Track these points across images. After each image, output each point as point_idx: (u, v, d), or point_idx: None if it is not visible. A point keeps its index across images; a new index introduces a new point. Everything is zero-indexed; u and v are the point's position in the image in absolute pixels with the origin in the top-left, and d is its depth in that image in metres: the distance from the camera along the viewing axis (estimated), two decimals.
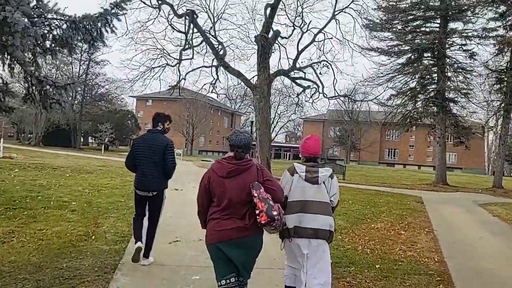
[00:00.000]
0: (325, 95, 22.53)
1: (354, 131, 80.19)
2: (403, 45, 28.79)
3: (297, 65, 22.93)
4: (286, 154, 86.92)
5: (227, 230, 3.47)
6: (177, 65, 20.71)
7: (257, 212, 3.45)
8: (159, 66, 20.59)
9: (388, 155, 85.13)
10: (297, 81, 23.77)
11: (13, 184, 12.34)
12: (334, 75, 22.17)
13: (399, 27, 28.81)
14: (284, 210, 3.90)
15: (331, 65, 21.95)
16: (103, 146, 48.68)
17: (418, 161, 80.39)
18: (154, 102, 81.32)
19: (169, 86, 23.95)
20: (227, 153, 3.71)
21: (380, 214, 11.96)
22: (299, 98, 24.72)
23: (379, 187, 22.66)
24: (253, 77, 22.73)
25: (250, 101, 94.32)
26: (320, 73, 21.83)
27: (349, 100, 22.38)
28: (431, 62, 28.35)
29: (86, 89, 58.14)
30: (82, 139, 61.91)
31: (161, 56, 20.84)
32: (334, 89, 21.92)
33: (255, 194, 3.45)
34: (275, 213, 3.44)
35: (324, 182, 3.99)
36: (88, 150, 54.71)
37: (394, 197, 16.93)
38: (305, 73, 22.80)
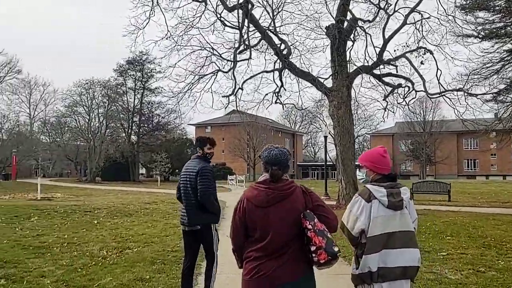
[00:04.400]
0: (427, 92, 17.13)
1: (427, 143, 72.67)
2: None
3: (384, 58, 17.85)
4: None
5: (271, 273, 2.75)
6: (231, 70, 16.33)
7: (312, 249, 2.75)
8: (210, 74, 16.33)
9: (468, 167, 77.74)
10: (385, 78, 18.65)
11: (8, 242, 8.27)
12: (437, 65, 16.83)
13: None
14: (355, 247, 3.20)
15: (432, 53, 16.64)
16: (159, 177, 45.53)
17: (502, 171, 71.42)
18: (213, 128, 79.37)
19: (223, 106, 19.46)
20: (261, 175, 2.95)
21: None
22: (387, 102, 19.43)
23: (496, 208, 16.90)
24: (326, 78, 17.96)
25: (313, 117, 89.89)
26: (421, 63, 16.49)
27: (465, 94, 16.33)
28: None
29: (143, 118, 55.79)
30: (140, 171, 59.76)
31: (211, 62, 16.57)
32: (439, 82, 16.52)
33: (309, 226, 2.76)
34: (336, 249, 2.75)
35: (406, 206, 3.18)
36: (147, 182, 51.96)
37: None
38: (396, 66, 17.62)
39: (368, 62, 17.89)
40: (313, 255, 2.76)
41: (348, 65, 17.93)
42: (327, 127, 30.33)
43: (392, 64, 18.35)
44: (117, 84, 53.26)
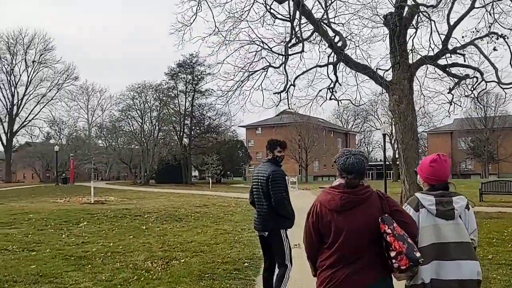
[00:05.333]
0: (500, 82, 15.36)
1: (489, 140, 68.30)
2: None
3: (450, 46, 16.22)
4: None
5: (344, 278, 2.67)
6: (283, 65, 15.35)
7: (392, 254, 2.63)
8: (260, 70, 15.42)
9: None
10: (450, 69, 16.97)
11: (50, 251, 7.77)
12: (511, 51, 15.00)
13: None
14: None
15: (506, 38, 14.86)
16: (210, 180, 45.39)
17: None
18: (263, 129, 78.97)
19: (274, 104, 18.46)
20: (336, 180, 2.85)
21: None
22: (453, 95, 17.71)
23: None
24: (387, 70, 16.58)
25: (366, 115, 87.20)
26: (494, 49, 14.80)
27: None
28: None
29: (194, 121, 55.97)
30: (193, 174, 60.11)
31: (261, 58, 15.68)
32: None
33: (389, 231, 2.65)
34: (418, 254, 2.65)
35: (460, 216, 2.99)
36: (199, 184, 52.00)
37: None
38: (463, 55, 15.94)
39: (432, 52, 16.35)
40: (393, 261, 2.65)
41: (410, 55, 16.48)
42: (387, 123, 28.62)
43: (459, 53, 16.66)
44: (169, 87, 53.78)
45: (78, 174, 62.38)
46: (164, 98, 51.24)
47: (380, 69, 15.54)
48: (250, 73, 15.40)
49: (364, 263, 2.68)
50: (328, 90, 18.36)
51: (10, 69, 62.93)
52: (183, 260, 7.47)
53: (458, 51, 16.42)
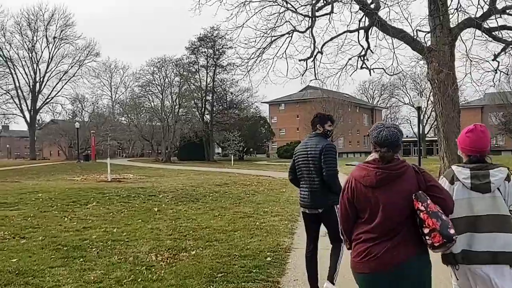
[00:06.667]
0: None
1: None
2: None
3: (498, 6, 14.38)
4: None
5: (382, 255, 2.66)
6: (309, 28, 13.82)
7: (426, 231, 2.63)
8: (284, 35, 13.93)
9: None
10: (497, 32, 15.14)
11: (43, 239, 6.71)
12: None
13: None
14: None
15: None
16: (232, 157, 44.34)
17: None
18: (287, 105, 77.41)
19: (300, 74, 16.93)
20: (370, 154, 2.83)
21: None
22: (498, 62, 15.90)
23: None
24: (427, 33, 14.92)
25: (392, 89, 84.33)
26: None
27: None
28: None
29: (215, 97, 54.71)
30: (216, 151, 59.33)
31: (285, 22, 14.14)
32: None
33: (422, 208, 2.63)
34: (452, 231, 2.63)
35: (498, 189, 2.94)
36: (222, 161, 51.05)
37: None
38: None
39: (476, 12, 14.57)
40: (427, 237, 2.65)
41: (453, 17, 14.73)
42: (416, 98, 26.78)
43: (508, 14, 14.84)
44: (190, 62, 52.46)
45: (102, 151, 62.36)
46: (184, 73, 50.03)
47: (421, 30, 13.82)
48: (274, 38, 13.92)
49: (402, 238, 2.66)
50: (359, 58, 16.83)
51: (31, 46, 62.69)
52: (193, 252, 6.28)
53: (507, 11, 14.59)
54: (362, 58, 16.50)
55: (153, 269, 5.38)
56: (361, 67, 16.77)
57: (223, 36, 48.85)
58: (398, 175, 2.67)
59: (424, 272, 2.70)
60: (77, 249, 6.45)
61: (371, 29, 15.81)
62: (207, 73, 53.39)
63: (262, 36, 13.84)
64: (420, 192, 2.66)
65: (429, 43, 15.03)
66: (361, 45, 16.38)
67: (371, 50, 16.59)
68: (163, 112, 48.40)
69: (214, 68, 52.95)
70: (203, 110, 54.04)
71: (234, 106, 56.50)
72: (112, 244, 6.80)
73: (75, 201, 12.00)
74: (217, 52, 52.11)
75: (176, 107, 49.45)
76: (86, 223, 8.66)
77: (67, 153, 62.96)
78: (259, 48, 14.23)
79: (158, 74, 47.99)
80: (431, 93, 15.71)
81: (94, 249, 6.43)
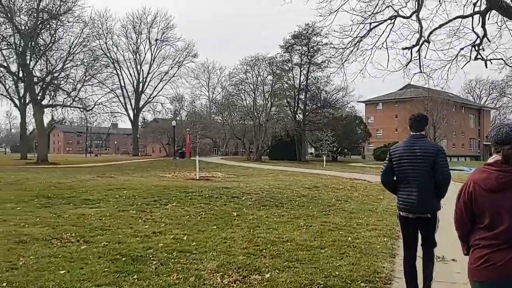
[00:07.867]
0: None
1: None
2: None
3: None
4: None
5: (503, 264, 2.50)
6: (415, 13, 11.98)
7: None
8: (386, 20, 12.25)
9: None
10: None
11: (105, 246, 6.05)
12: None
13: None
14: None
15: None
16: (324, 157, 42.63)
17: None
18: (384, 105, 73.76)
19: (402, 66, 14.99)
20: (492, 156, 2.68)
21: None
22: None
23: None
24: None
25: (503, 87, 76.38)
26: None
27: None
28: None
29: (309, 95, 53.27)
30: (309, 151, 57.96)
31: (387, 6, 12.43)
32: None
33: None
34: None
35: None
36: (314, 162, 49.52)
37: None
38: None
39: None
40: None
41: None
42: None
43: None
44: (283, 60, 51.66)
45: (200, 149, 64.27)
46: (278, 71, 49.32)
47: None
48: (374, 24, 12.29)
49: None
50: (473, 48, 14.53)
51: (135, 48, 66.55)
52: (267, 275, 5.10)
53: None
54: (476, 47, 14.19)
55: None
56: (476, 58, 14.45)
57: (318, 33, 47.31)
58: None
59: None
60: (136, 260, 5.60)
61: (489, 13, 13.51)
62: (300, 71, 52.22)
63: (361, 23, 12.28)
64: None
65: None
66: (475, 33, 14.10)
67: (487, 39, 14.23)
68: (255, 111, 48.20)
69: (308, 66, 51.59)
70: (295, 109, 52.94)
71: (328, 105, 54.57)
72: (177, 256, 5.87)
73: (156, 200, 11.52)
74: (311, 49, 50.68)
75: (268, 105, 48.98)
76: (158, 227, 7.92)
77: (167, 150, 65.88)
78: (356, 37, 12.70)
79: (251, 72, 47.91)
80: None
81: (154, 262, 5.54)
